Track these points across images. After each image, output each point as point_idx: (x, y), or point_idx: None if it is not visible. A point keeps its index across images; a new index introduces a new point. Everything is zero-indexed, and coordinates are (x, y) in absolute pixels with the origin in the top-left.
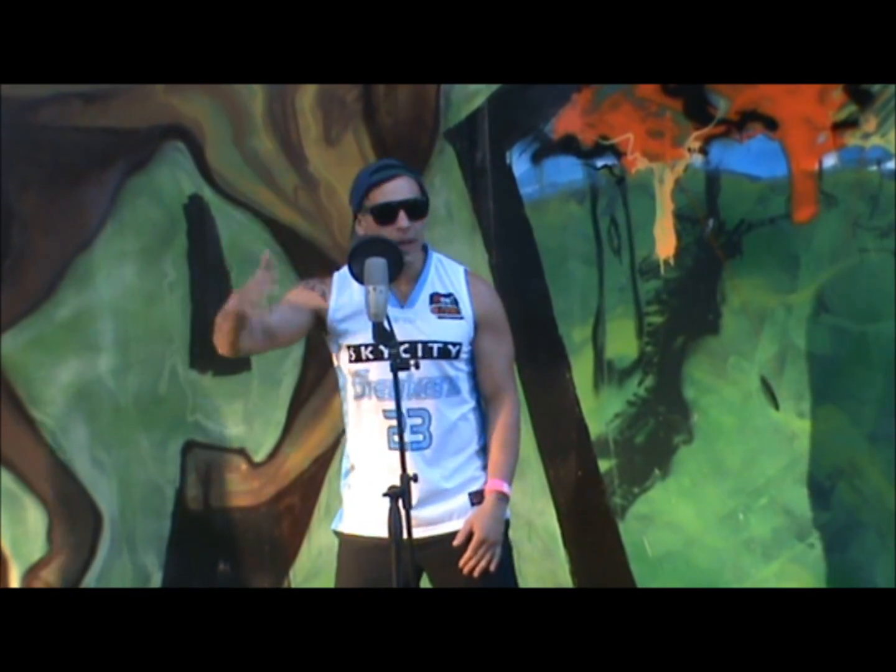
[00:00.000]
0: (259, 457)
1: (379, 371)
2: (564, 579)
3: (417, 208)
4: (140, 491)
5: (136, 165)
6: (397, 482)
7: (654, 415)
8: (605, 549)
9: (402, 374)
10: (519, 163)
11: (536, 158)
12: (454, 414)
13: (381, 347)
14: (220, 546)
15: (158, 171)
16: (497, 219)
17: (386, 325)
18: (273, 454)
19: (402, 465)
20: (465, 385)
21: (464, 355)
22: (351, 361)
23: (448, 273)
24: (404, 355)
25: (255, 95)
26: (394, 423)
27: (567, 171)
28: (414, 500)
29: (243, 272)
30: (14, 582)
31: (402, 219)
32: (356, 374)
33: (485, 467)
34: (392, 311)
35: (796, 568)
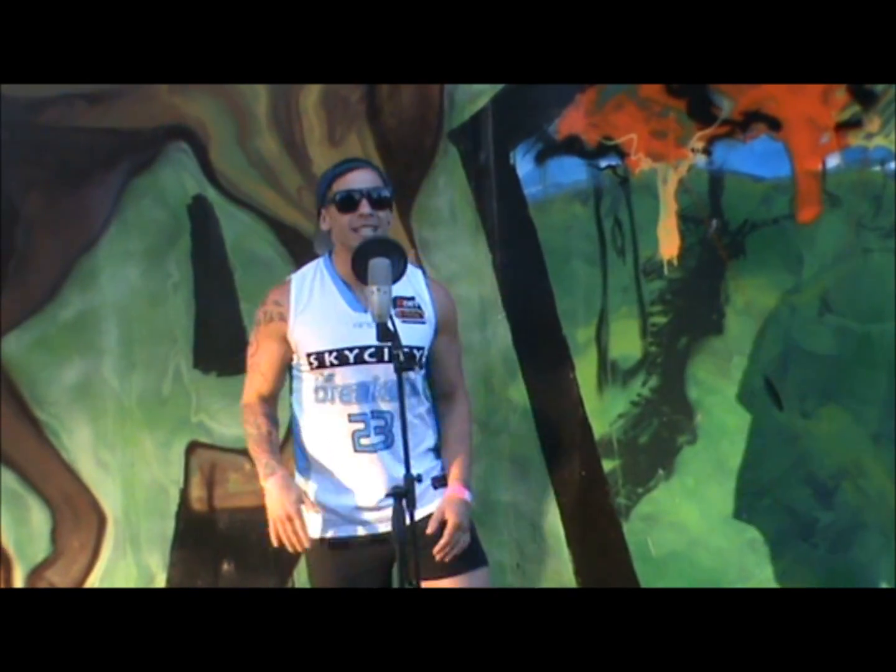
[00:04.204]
0: None
1: (344, 376)
2: (568, 579)
3: (380, 198)
4: (144, 491)
5: (140, 166)
6: (363, 484)
7: (658, 415)
8: (609, 550)
9: (367, 377)
10: (523, 163)
11: (540, 159)
12: (412, 414)
13: (347, 353)
14: (224, 546)
15: (162, 172)
16: (501, 219)
17: (390, 325)
18: None
19: (405, 467)
20: (420, 386)
21: (421, 360)
22: (313, 368)
23: (409, 276)
24: (370, 360)
25: (258, 96)
26: (359, 426)
27: (571, 171)
28: (379, 498)
29: (247, 273)
30: (18, 582)
31: (365, 205)
32: (317, 379)
33: (439, 457)
34: (356, 316)
35: (800, 568)
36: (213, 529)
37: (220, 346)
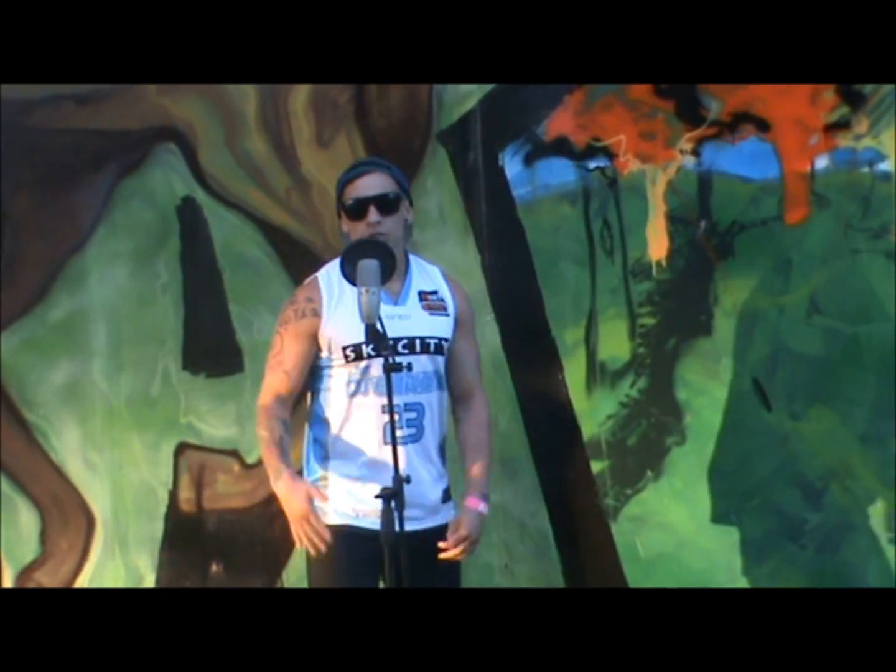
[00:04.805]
0: (252, 458)
1: (379, 367)
2: (557, 580)
3: (388, 203)
4: (133, 492)
5: (129, 167)
6: (386, 480)
7: (647, 416)
8: (597, 551)
9: (400, 369)
10: (511, 164)
11: (529, 160)
12: (437, 408)
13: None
14: (212, 548)
15: (151, 173)
16: (489, 220)
17: (378, 326)
18: None
19: (395, 467)
20: (444, 381)
21: (447, 352)
22: (349, 361)
23: (427, 272)
24: (403, 351)
25: (247, 97)
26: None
27: (559, 172)
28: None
29: (236, 274)
30: (6, 583)
31: (372, 213)
32: (353, 372)
33: (445, 462)
34: (386, 309)
35: (788, 569)
36: (201, 531)
37: (208, 347)
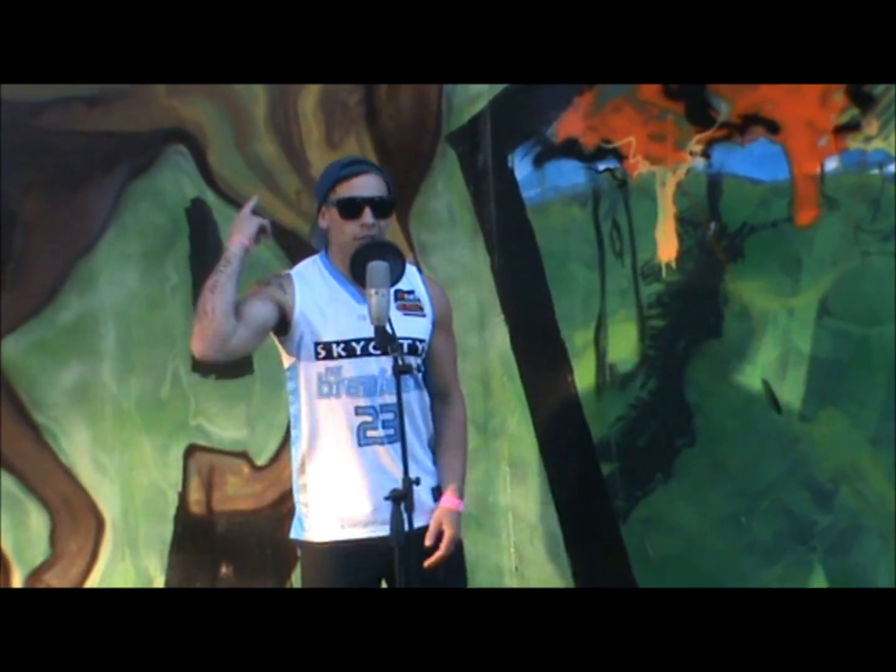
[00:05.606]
0: (261, 460)
1: (352, 368)
2: (567, 582)
3: (383, 206)
4: (142, 494)
5: (139, 169)
6: (366, 480)
7: (656, 418)
8: (607, 553)
9: (375, 370)
10: (521, 166)
11: (538, 162)
12: (417, 407)
13: (354, 344)
14: (222, 550)
15: (161, 175)
16: (499, 222)
17: (388, 328)
18: (275, 458)
19: (404, 469)
20: (421, 380)
21: (423, 353)
22: (319, 359)
23: (406, 272)
24: (374, 352)
25: (257, 99)
26: (366, 419)
27: (569, 174)
28: (379, 496)
29: (245, 276)
30: (16, 585)
31: (367, 215)
32: (324, 372)
33: (435, 461)
34: (360, 308)
35: (798, 571)
36: (211, 532)
37: None
